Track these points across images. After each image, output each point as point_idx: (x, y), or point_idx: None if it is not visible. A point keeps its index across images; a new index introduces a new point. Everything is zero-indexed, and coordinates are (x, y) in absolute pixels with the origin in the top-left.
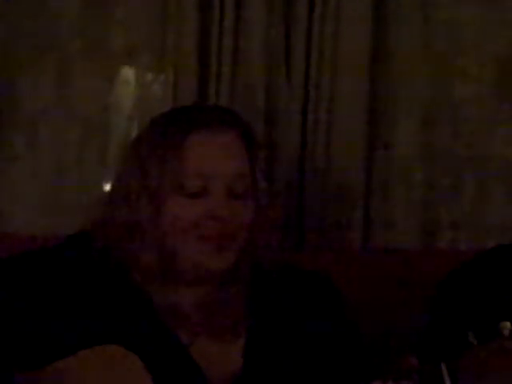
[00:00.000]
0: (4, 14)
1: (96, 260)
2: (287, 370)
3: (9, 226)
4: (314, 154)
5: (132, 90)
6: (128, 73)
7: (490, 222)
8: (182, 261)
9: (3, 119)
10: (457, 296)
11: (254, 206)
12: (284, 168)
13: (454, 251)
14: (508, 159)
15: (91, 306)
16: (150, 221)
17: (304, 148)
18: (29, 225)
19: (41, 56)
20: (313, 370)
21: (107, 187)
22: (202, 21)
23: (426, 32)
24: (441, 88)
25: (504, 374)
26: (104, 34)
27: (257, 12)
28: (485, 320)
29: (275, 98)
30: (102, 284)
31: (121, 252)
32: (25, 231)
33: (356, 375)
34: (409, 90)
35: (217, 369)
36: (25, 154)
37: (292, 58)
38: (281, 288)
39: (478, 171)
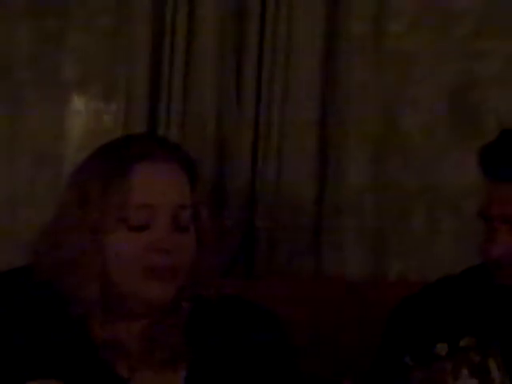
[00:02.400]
0: None
1: (37, 294)
2: None
3: None
4: (265, 182)
5: (83, 119)
6: (79, 102)
7: (439, 251)
8: (124, 294)
9: None
10: (402, 325)
11: (196, 237)
12: (234, 195)
13: (403, 281)
14: (457, 188)
15: (31, 341)
16: (91, 254)
17: (254, 176)
18: None
19: None
20: None
21: None
22: (153, 51)
23: (376, 62)
24: (391, 118)
25: None
26: (55, 64)
27: (208, 43)
28: (423, 344)
29: (226, 127)
30: (42, 319)
31: (62, 285)
32: None
33: None
34: (360, 119)
35: None
36: None
37: (243, 88)
38: (224, 321)
39: (428, 201)
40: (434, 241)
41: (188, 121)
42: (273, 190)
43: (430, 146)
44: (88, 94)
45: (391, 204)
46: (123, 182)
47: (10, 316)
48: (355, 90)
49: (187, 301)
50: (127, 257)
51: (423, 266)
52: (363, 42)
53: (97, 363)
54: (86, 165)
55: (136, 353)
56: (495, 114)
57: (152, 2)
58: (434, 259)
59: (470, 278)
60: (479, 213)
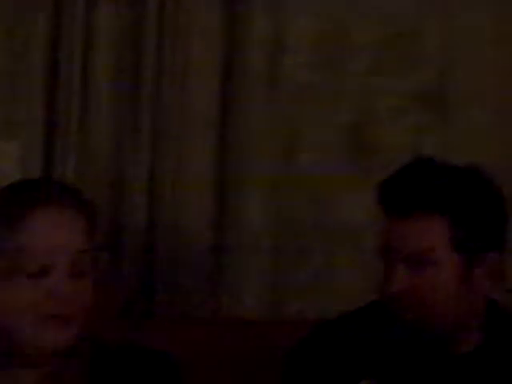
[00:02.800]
0: None
1: None
2: None
3: None
4: (162, 222)
5: None
6: None
7: (336, 289)
8: (19, 342)
9: None
10: (302, 366)
11: (94, 282)
12: (131, 236)
13: (301, 320)
14: (356, 225)
15: None
16: None
17: (152, 216)
18: None
19: None
20: None
21: None
22: (49, 95)
23: (271, 97)
24: (289, 154)
25: None
26: None
27: (104, 86)
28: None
29: (122, 169)
30: None
31: None
32: None
33: None
34: (256, 157)
35: None
36: None
37: (140, 130)
38: (122, 369)
39: (326, 237)
40: (332, 277)
41: (84, 164)
42: (170, 230)
43: (328, 183)
44: None
45: (289, 241)
46: (21, 228)
47: None
48: (252, 126)
49: (87, 348)
50: (22, 304)
51: (322, 303)
52: (258, 85)
53: None
54: None
55: None
56: (392, 150)
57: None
58: (332, 296)
59: (368, 315)
60: (378, 250)
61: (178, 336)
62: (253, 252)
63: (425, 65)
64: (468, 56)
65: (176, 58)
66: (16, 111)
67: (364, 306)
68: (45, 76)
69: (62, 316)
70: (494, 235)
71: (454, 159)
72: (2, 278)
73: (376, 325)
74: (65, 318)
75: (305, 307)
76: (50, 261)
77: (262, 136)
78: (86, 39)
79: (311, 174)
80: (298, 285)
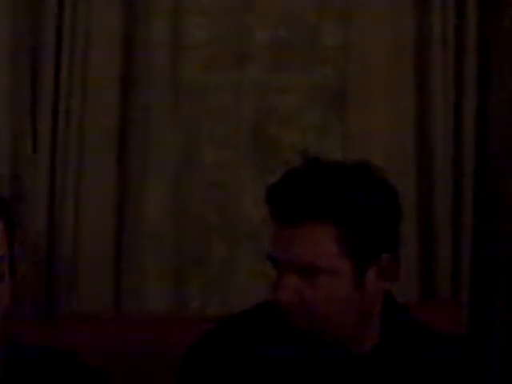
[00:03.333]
0: None
1: None
2: None
3: None
4: (63, 221)
5: None
6: None
7: (239, 285)
8: None
9: None
10: (200, 370)
11: (11, 287)
12: (32, 236)
13: (203, 317)
14: (257, 223)
15: None
16: None
17: (52, 215)
18: None
19: None
20: None
21: None
22: None
23: (174, 95)
24: (191, 152)
25: None
26: None
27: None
28: None
29: (21, 166)
30: None
31: None
32: None
33: None
34: (159, 154)
35: None
36: None
37: (39, 128)
38: (37, 373)
39: (228, 235)
40: (233, 274)
41: None
42: (72, 227)
43: (230, 181)
44: None
45: (191, 238)
46: None
47: None
48: (154, 123)
49: (2, 352)
50: None
51: (224, 299)
52: (161, 75)
53: None
54: None
55: None
56: (293, 148)
57: None
58: (234, 292)
59: (265, 316)
60: (268, 257)
61: (77, 334)
62: (154, 247)
63: (323, 63)
64: (366, 54)
65: (75, 58)
66: None
67: (262, 305)
68: None
69: None
70: (387, 236)
71: (354, 156)
72: None
73: (272, 327)
74: None
75: (207, 303)
76: None
77: (165, 135)
78: None
79: (213, 172)
80: (200, 281)
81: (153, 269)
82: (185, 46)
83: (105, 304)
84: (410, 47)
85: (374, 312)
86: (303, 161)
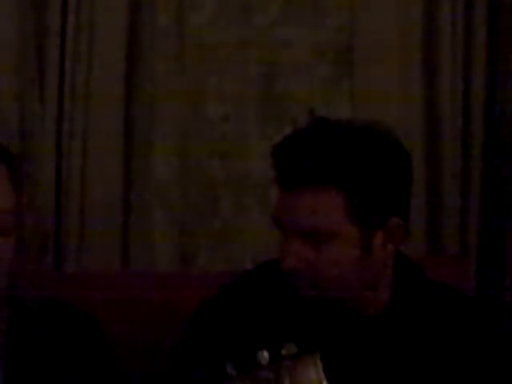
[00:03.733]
0: None
1: None
2: None
3: None
4: (70, 178)
5: None
6: None
7: (247, 241)
8: None
9: None
10: (213, 325)
11: (16, 241)
12: (40, 193)
13: (211, 273)
14: (264, 178)
15: None
16: None
17: (60, 172)
18: None
19: None
20: None
21: None
22: None
23: (180, 51)
24: (197, 109)
25: None
26: None
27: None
28: (243, 350)
29: (29, 124)
30: None
31: None
32: None
33: None
34: (165, 110)
35: None
36: None
37: (46, 84)
38: (41, 326)
39: (236, 190)
40: (242, 229)
41: None
42: (79, 186)
43: (236, 136)
44: None
45: (198, 194)
46: None
47: None
48: (160, 78)
49: (6, 307)
50: None
51: (232, 254)
52: (166, 33)
53: None
54: None
55: None
56: (299, 102)
57: None
58: (242, 248)
59: (272, 274)
60: (273, 221)
61: (87, 289)
62: (161, 204)
63: (331, 18)
64: (374, 10)
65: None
66: None
67: (269, 263)
68: None
69: None
70: (395, 201)
71: (361, 112)
72: None
73: (281, 287)
74: None
75: (215, 259)
76: None
77: (171, 90)
78: None
79: (219, 127)
80: (209, 237)
81: (160, 225)
82: (188, 6)
83: (112, 260)
84: (420, 2)
85: (383, 275)
86: (309, 120)
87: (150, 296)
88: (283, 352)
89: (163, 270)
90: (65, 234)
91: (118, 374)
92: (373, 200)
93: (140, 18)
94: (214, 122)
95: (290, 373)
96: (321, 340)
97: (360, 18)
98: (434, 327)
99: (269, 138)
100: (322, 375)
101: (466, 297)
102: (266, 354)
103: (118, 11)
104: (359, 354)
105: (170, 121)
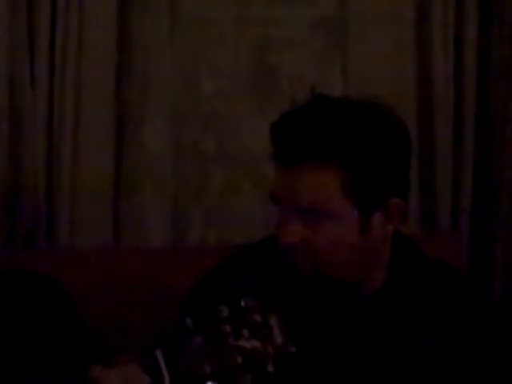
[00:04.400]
0: None
1: None
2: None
3: None
4: (61, 153)
5: None
6: None
7: (238, 216)
8: None
9: None
10: (210, 297)
11: None
12: (29, 167)
13: (203, 249)
14: (256, 152)
15: None
16: None
17: (51, 146)
18: None
19: None
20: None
21: None
22: None
23: (172, 27)
24: (189, 82)
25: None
26: None
27: None
28: (206, 307)
29: (19, 97)
30: None
31: None
32: None
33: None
34: (157, 86)
35: None
36: None
37: (36, 57)
38: (8, 293)
39: (227, 164)
40: (234, 205)
41: None
42: (70, 160)
43: (228, 110)
44: None
45: (190, 168)
46: None
47: None
48: (152, 54)
49: None
50: None
51: (224, 230)
52: (159, 6)
53: None
54: None
55: None
56: (293, 78)
57: None
58: (234, 223)
59: (270, 249)
60: (270, 197)
61: (79, 266)
62: (153, 179)
63: None
64: None
65: None
66: None
67: (268, 239)
68: None
69: None
70: (395, 180)
71: (354, 87)
72: None
73: (279, 263)
74: None
75: (207, 233)
76: None
77: (164, 64)
78: None
79: (212, 102)
80: (200, 211)
81: (152, 200)
82: None
83: (104, 237)
84: None
85: (381, 254)
86: (307, 98)
87: (142, 272)
88: (242, 304)
89: (156, 246)
90: (56, 211)
91: (84, 333)
92: (372, 178)
93: None
94: (207, 98)
95: (248, 325)
96: (317, 317)
97: None
98: (428, 307)
99: (262, 114)
100: (283, 327)
101: (462, 276)
102: (225, 307)
103: None
104: (354, 333)
105: (162, 97)
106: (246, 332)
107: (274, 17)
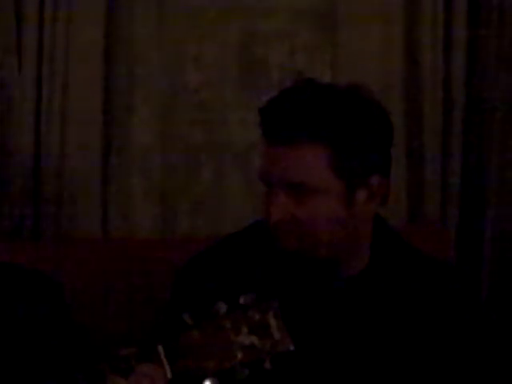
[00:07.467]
0: None
1: None
2: None
3: None
4: (49, 144)
5: None
6: None
7: (227, 207)
8: None
9: None
10: (189, 285)
11: None
12: (19, 155)
13: (191, 239)
14: (244, 144)
15: None
16: None
17: (38, 137)
18: None
19: None
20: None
21: None
22: None
23: (160, 18)
24: (176, 74)
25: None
26: None
27: None
28: (204, 303)
29: (7, 93)
30: None
31: None
32: None
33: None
34: (145, 77)
35: None
36: None
37: (24, 49)
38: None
39: (216, 156)
40: (222, 196)
41: None
42: (58, 151)
43: (216, 102)
44: None
45: (178, 161)
46: None
47: None
48: (139, 43)
49: None
50: None
51: (212, 221)
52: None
53: None
54: None
55: None
56: (280, 69)
57: None
58: (222, 214)
59: (254, 235)
60: (259, 176)
61: (64, 256)
62: (141, 169)
63: None
64: None
65: None
66: None
67: (252, 225)
68: None
69: None
70: (377, 158)
71: (343, 79)
72: None
73: (262, 248)
74: None
75: (195, 225)
76: None
77: (150, 56)
78: None
79: (199, 93)
80: (189, 203)
81: (140, 191)
82: None
83: (92, 226)
84: None
85: (363, 234)
86: (296, 82)
87: (130, 262)
88: (241, 301)
89: (144, 236)
90: (44, 200)
91: (80, 339)
92: (356, 156)
93: None
94: (193, 89)
95: (247, 321)
96: (302, 297)
97: None
98: (409, 289)
99: (249, 104)
100: (281, 323)
101: (441, 260)
102: (223, 304)
103: None
104: (343, 312)
105: (149, 87)
106: (244, 329)
107: (262, 7)
